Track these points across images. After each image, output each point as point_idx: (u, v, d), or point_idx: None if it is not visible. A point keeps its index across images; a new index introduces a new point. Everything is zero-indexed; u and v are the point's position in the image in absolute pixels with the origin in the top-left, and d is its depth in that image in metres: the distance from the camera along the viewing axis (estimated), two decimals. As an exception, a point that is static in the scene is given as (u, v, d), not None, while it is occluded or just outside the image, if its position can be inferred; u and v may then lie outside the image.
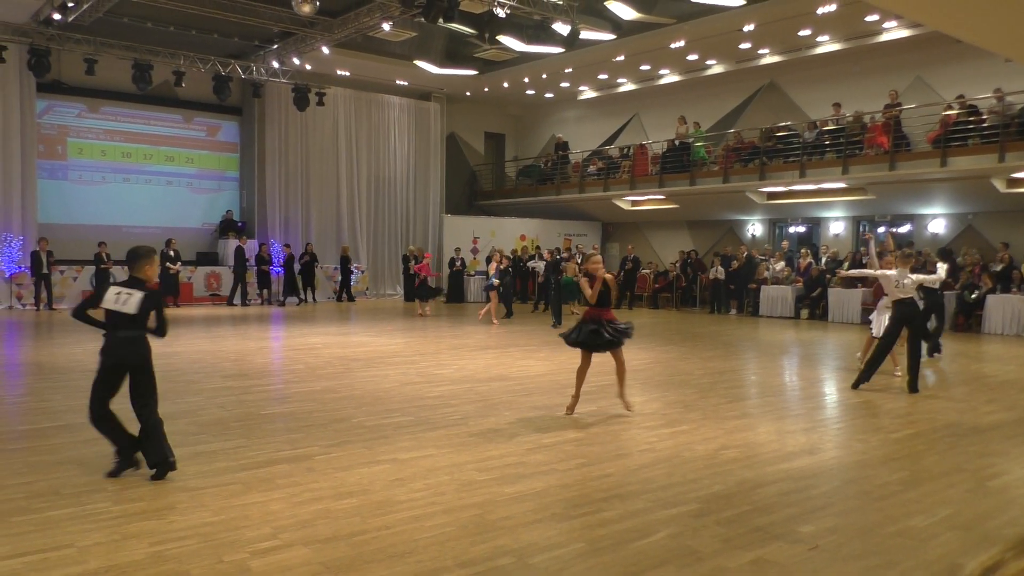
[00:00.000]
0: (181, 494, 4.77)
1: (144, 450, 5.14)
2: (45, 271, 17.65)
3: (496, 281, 16.62)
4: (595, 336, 7.10)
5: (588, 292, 7.24)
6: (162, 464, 5.06)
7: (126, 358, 5.17)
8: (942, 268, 10.50)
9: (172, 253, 19.24)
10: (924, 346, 9.96)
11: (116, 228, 20.40)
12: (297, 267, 21.04)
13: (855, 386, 8.95)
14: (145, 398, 5.22)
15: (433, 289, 18.91)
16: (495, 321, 16.33)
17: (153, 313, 5.21)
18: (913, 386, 8.72)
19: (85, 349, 11.45)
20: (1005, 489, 5.25)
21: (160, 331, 5.32)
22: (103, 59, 18.56)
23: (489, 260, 18.20)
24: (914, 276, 8.87)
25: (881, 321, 9.52)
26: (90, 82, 19.15)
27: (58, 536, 4.08)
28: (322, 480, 5.11)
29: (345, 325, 16.07)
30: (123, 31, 18.16)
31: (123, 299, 5.10)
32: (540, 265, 19.85)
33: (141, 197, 21.12)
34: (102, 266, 18.17)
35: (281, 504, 4.62)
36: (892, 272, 8.89)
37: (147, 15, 17.18)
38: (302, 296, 21.06)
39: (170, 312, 18.26)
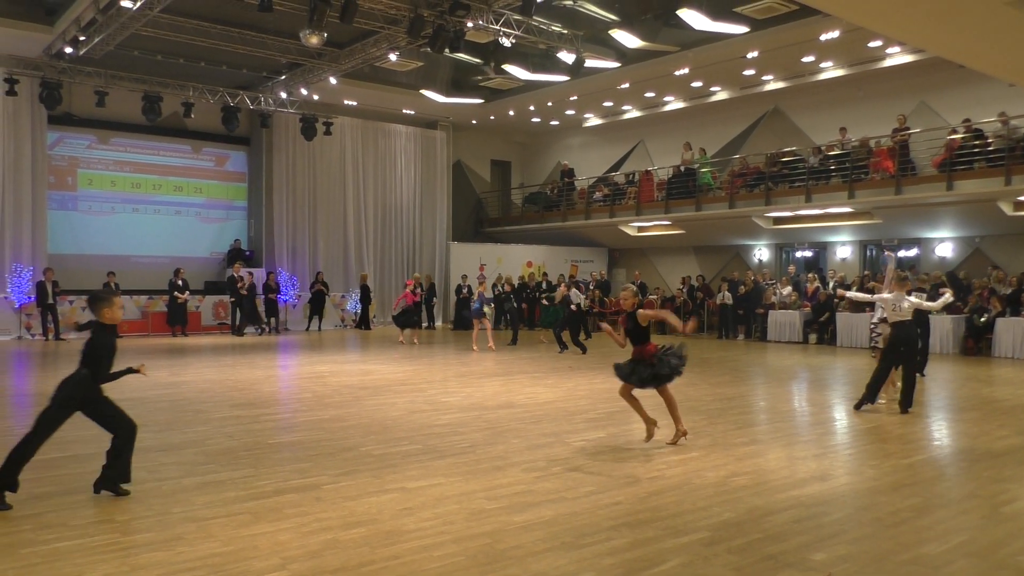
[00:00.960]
0: (189, 524, 4.75)
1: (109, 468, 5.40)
2: (51, 301, 17.73)
3: (487, 309, 16.56)
4: (653, 378, 7.10)
5: (617, 340, 7.39)
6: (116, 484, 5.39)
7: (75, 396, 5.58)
8: (947, 295, 10.44)
9: (180, 283, 19.31)
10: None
11: (125, 258, 20.57)
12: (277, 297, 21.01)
13: (857, 407, 9.04)
14: (111, 427, 5.60)
15: (415, 318, 18.11)
16: (492, 346, 16.31)
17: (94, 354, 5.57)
18: (905, 405, 8.90)
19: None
20: (1020, 515, 5.19)
21: (94, 375, 5.68)
22: (113, 91, 18.85)
23: (471, 288, 18.03)
24: (912, 300, 9.00)
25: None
26: (100, 114, 19.41)
27: (66, 568, 4.06)
28: (331, 510, 5.08)
29: (352, 353, 16.08)
30: (133, 64, 18.45)
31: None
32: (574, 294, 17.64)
33: (150, 227, 21.28)
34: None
35: (290, 534, 4.60)
36: (889, 295, 9.09)
37: (157, 48, 17.46)
38: (264, 325, 20.37)
39: (178, 341, 18.31)
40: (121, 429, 5.53)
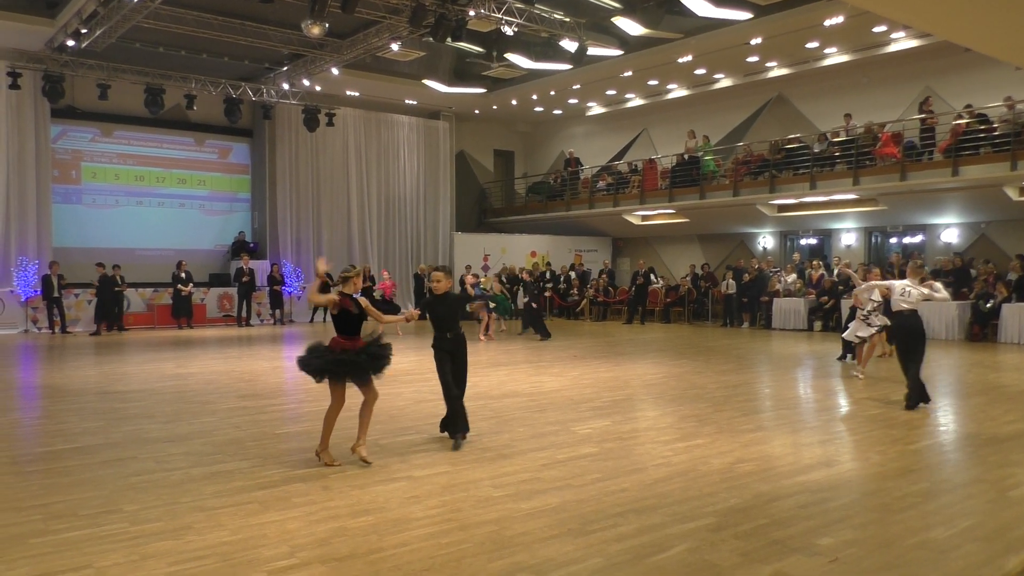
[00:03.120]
0: (198, 514, 4.78)
1: None
2: (56, 294, 17.78)
3: (479, 302, 16.47)
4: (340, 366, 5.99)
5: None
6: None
7: None
8: (942, 289, 9.92)
9: (183, 275, 19.35)
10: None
11: (130, 251, 20.61)
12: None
13: (911, 407, 8.27)
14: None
15: (393, 308, 18.08)
16: (483, 337, 16.25)
17: None
18: (911, 401, 8.28)
19: (100, 371, 11.53)
20: (1026, 499, 5.19)
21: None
22: (116, 84, 18.83)
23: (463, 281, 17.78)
24: (922, 289, 8.50)
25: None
26: (103, 107, 19.41)
27: (76, 557, 4.09)
28: (338, 498, 5.11)
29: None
30: (135, 56, 18.43)
31: None
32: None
33: (154, 220, 21.32)
34: (116, 288, 18.32)
35: (298, 523, 4.62)
36: (898, 282, 8.75)
37: (159, 40, 17.44)
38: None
39: (183, 334, 18.36)
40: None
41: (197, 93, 19.89)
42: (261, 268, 21.12)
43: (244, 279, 20.11)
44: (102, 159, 20.73)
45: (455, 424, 6.62)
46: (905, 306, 8.47)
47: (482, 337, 16.30)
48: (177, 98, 19.97)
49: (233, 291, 20.60)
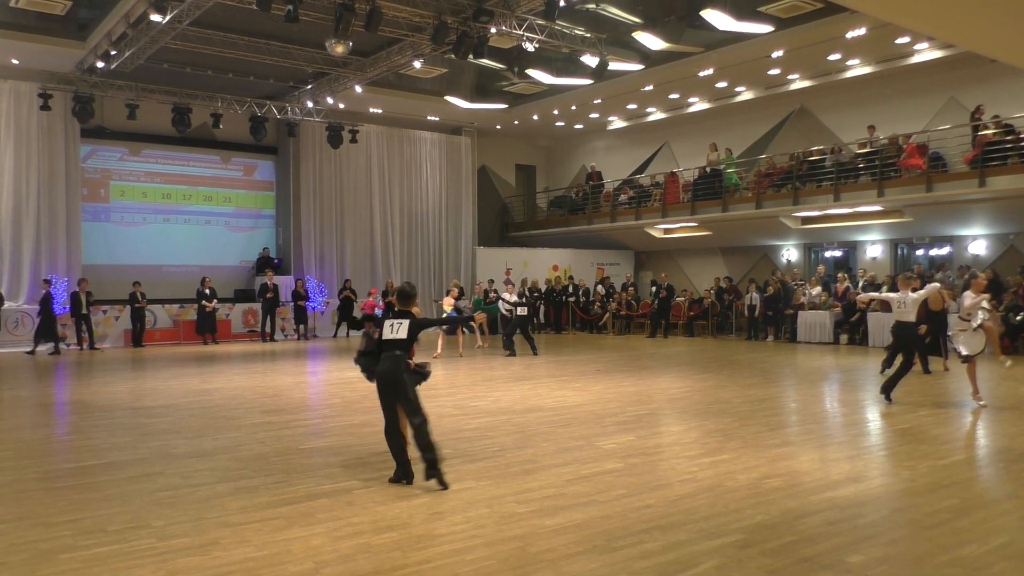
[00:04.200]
0: (224, 529, 4.81)
1: None
2: (84, 311, 18.02)
3: (462, 310, 16.14)
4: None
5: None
6: None
7: None
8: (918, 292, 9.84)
9: (207, 291, 19.55)
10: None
11: (156, 267, 20.90)
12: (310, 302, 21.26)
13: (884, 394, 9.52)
14: None
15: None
16: (438, 353, 15.62)
17: None
18: (885, 389, 9.51)
19: (127, 387, 11.67)
20: (1062, 516, 5.08)
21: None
22: (144, 104, 19.19)
23: (498, 292, 17.54)
24: (912, 295, 9.42)
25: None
26: (131, 126, 19.77)
27: (105, 573, 4.13)
28: (362, 514, 5.12)
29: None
30: (163, 76, 18.78)
31: None
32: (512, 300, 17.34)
33: (180, 237, 21.61)
34: (136, 305, 18.57)
35: (322, 538, 4.64)
36: (895, 294, 9.58)
37: (186, 60, 17.74)
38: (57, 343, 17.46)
39: (208, 349, 18.48)
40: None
41: (223, 112, 20.20)
42: (285, 284, 21.31)
43: (268, 295, 20.29)
44: (130, 178, 21.07)
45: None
46: (899, 319, 9.50)
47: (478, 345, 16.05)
48: (204, 117, 20.28)
49: (257, 307, 20.78)
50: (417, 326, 6.07)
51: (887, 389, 9.50)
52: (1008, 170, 15.40)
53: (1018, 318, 15.41)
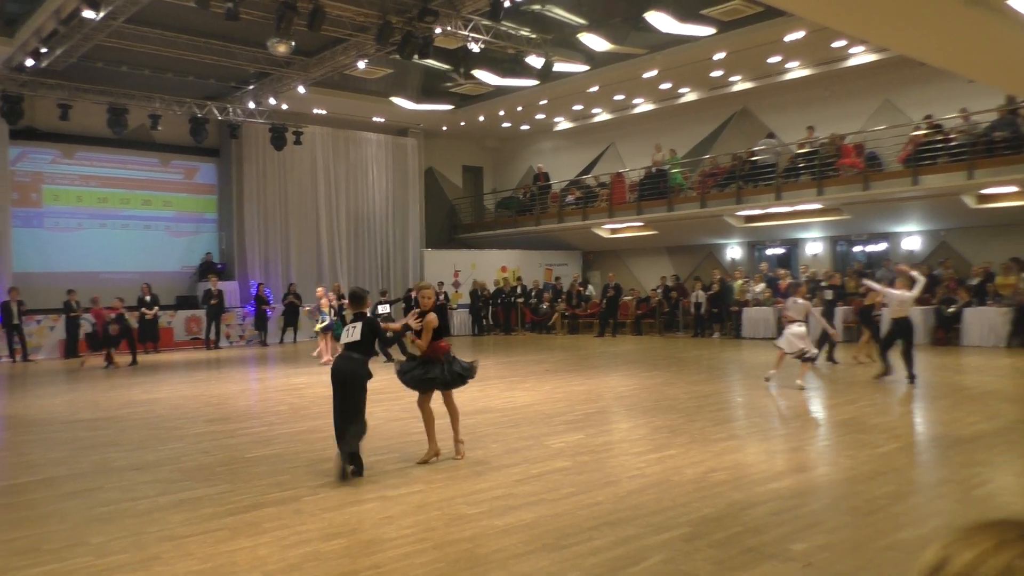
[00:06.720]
0: (166, 543, 4.68)
1: None
2: (16, 321, 17.36)
3: (328, 320, 15.08)
4: (428, 381, 6.57)
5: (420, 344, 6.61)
6: None
7: None
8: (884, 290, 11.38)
9: (148, 298, 19.00)
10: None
11: (94, 275, 20.21)
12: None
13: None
14: None
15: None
16: (327, 358, 14.81)
17: None
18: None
19: (64, 400, 11.29)
20: (991, 497, 5.28)
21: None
22: (77, 104, 18.55)
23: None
24: (908, 294, 10.59)
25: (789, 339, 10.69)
26: (64, 127, 19.10)
27: (40, 590, 3.98)
28: (310, 522, 5.04)
29: (328, 364, 15.93)
30: (97, 76, 18.18)
31: None
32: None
33: (118, 242, 20.97)
34: (71, 314, 17.96)
35: (269, 548, 4.55)
36: (896, 292, 10.65)
37: (122, 59, 17.23)
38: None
39: (149, 358, 17.99)
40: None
41: (162, 113, 19.66)
42: (229, 289, 20.87)
43: (212, 301, 19.84)
44: (64, 181, 20.38)
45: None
46: (899, 314, 10.76)
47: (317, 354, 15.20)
48: (141, 118, 19.70)
49: (201, 313, 20.31)
50: (371, 331, 6.35)
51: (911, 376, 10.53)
52: (938, 169, 15.97)
53: (950, 310, 15.98)
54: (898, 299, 10.59)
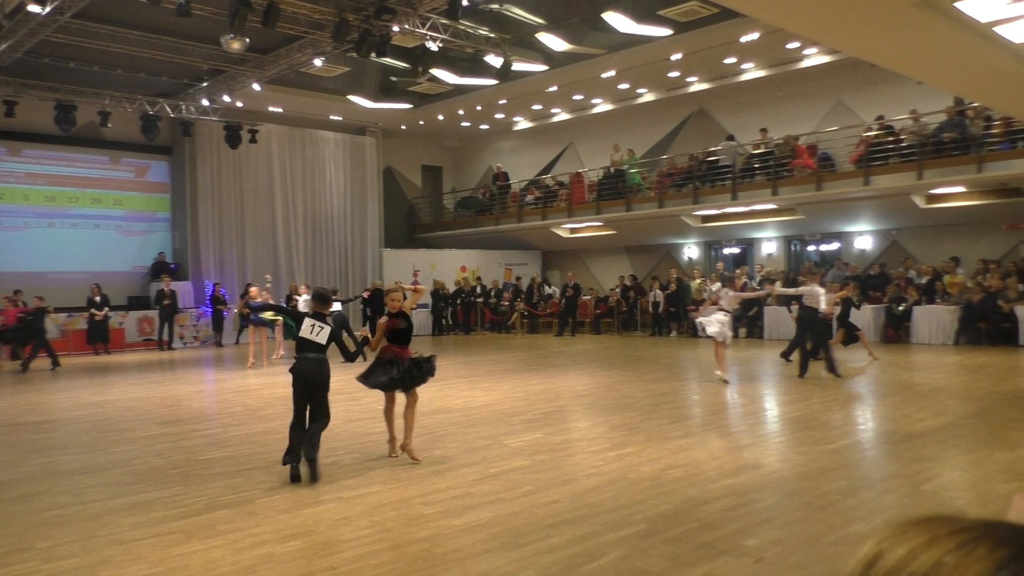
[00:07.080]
0: (116, 547, 4.57)
1: None
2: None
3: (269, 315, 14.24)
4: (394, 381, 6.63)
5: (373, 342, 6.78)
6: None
7: None
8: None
9: (98, 299, 18.54)
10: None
11: (42, 275, 19.64)
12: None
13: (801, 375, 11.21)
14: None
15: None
16: (252, 360, 14.56)
17: None
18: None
19: (9, 402, 10.96)
20: (938, 492, 5.43)
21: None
22: (24, 101, 18.02)
23: (245, 293, 15.67)
24: (820, 290, 11.37)
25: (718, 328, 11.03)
26: (10, 124, 18.54)
27: (-19, 599, 3.87)
28: (265, 524, 4.96)
29: (283, 365, 15.70)
30: (44, 71, 17.67)
31: None
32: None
33: (67, 242, 20.42)
34: (20, 315, 17.39)
35: (222, 551, 4.47)
36: (806, 288, 11.36)
37: (70, 55, 16.76)
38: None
39: (100, 360, 17.50)
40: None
41: (112, 110, 19.16)
42: (183, 289, 20.49)
43: (165, 302, 19.45)
44: (10, 179, 19.78)
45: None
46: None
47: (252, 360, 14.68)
48: (90, 115, 19.20)
49: (154, 314, 19.89)
50: (335, 339, 6.43)
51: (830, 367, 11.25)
52: (889, 169, 16.36)
53: (900, 308, 16.39)
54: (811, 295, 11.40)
